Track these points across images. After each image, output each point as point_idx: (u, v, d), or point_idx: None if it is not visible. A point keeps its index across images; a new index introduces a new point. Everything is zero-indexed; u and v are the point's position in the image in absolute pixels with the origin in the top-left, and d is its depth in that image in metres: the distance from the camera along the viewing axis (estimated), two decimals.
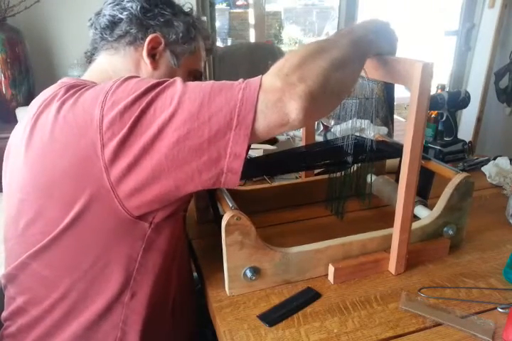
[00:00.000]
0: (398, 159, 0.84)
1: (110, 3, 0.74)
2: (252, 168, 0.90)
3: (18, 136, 0.68)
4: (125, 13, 0.72)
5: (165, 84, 0.57)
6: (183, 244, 0.72)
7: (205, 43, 0.83)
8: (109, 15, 0.73)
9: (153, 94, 0.56)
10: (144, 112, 0.55)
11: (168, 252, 0.69)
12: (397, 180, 0.76)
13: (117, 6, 0.73)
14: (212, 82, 0.57)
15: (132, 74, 0.63)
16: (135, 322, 0.68)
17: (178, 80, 0.58)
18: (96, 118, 0.56)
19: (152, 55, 0.75)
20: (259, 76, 0.56)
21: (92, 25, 0.76)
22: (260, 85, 0.54)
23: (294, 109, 0.53)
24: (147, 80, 0.59)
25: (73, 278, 0.65)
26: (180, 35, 0.75)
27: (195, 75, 0.82)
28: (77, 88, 0.63)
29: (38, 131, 0.62)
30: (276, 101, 0.53)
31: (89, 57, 0.78)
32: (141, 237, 0.64)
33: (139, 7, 0.72)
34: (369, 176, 0.99)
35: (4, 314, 0.74)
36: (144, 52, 0.74)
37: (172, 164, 0.55)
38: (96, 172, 0.57)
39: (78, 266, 0.64)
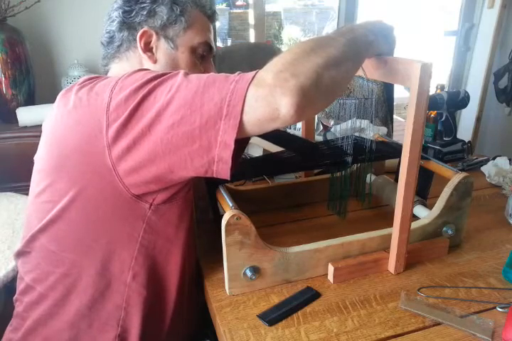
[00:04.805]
0: (398, 159, 0.84)
1: (105, 22, 0.79)
2: (252, 168, 0.90)
3: (46, 120, 0.74)
4: (114, 23, 0.76)
5: (168, 75, 0.61)
6: (187, 232, 0.74)
7: (202, 12, 0.79)
8: (106, 31, 0.78)
9: (155, 82, 0.60)
10: (144, 98, 0.59)
11: (170, 237, 0.71)
12: (396, 180, 0.76)
13: (109, 21, 0.77)
14: (210, 74, 0.60)
15: None
16: (138, 303, 0.70)
17: (181, 72, 0.61)
18: (105, 100, 0.61)
19: (150, 50, 0.76)
20: (256, 70, 0.57)
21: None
22: (253, 79, 0.55)
23: (284, 104, 0.53)
24: (154, 72, 0.63)
25: (77, 254, 0.68)
26: (165, 17, 0.75)
27: (203, 49, 0.79)
28: (96, 77, 0.68)
29: (59, 111, 0.68)
30: (267, 95, 0.53)
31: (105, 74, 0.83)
32: (141, 217, 0.67)
33: (121, 12, 0.75)
34: (368, 176, 0.99)
35: (15, 295, 0.76)
36: (140, 50, 0.76)
37: (166, 147, 0.58)
38: (100, 149, 0.61)
39: (82, 241, 0.67)
